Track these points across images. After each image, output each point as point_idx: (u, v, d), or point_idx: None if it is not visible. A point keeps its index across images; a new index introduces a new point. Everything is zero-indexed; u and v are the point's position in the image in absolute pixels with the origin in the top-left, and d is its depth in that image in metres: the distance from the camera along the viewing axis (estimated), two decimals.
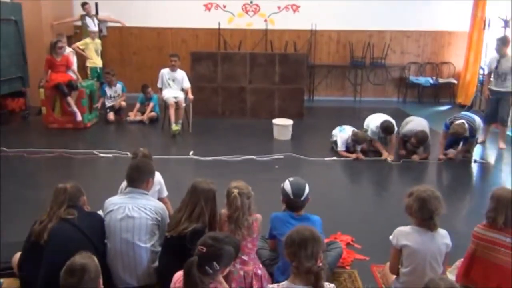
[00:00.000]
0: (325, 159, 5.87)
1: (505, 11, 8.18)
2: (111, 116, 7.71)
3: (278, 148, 6.31)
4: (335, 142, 6.11)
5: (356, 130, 6.03)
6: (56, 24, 8.75)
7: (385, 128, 5.86)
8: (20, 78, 7.58)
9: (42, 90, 7.07)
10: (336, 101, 9.97)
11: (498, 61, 6.39)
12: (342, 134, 6.03)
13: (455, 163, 5.85)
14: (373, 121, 6.08)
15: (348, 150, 6.01)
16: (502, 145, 6.63)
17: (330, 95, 10.19)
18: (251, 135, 7.08)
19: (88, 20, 8.43)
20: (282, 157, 5.88)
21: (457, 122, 5.69)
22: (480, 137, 6.48)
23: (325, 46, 10.04)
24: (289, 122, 6.83)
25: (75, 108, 7.04)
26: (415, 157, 5.91)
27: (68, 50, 7.80)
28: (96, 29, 8.31)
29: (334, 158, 5.90)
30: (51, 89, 7.01)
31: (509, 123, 6.83)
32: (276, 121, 6.88)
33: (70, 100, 7.04)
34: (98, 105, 7.84)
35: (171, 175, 4.93)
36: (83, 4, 8.71)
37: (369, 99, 10.08)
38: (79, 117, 7.06)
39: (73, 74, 7.31)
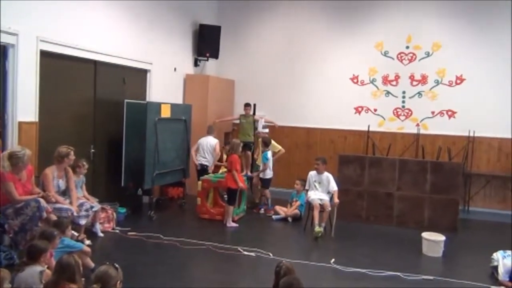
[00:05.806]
0: (490, 287, 5.16)
1: None
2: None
3: (427, 267, 5.80)
4: (496, 268, 5.40)
5: None
6: (218, 122, 9.72)
7: None
8: (182, 170, 8.42)
9: (200, 182, 7.74)
10: (496, 214, 8.99)
11: None
12: (506, 261, 5.25)
13: None
14: None
15: None
16: None
17: (488, 207, 9.24)
18: (397, 246, 6.68)
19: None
20: (431, 278, 5.35)
21: None
22: None
23: (484, 154, 9.33)
24: (441, 238, 6.28)
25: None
26: None
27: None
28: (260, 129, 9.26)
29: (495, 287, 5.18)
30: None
31: None
32: (426, 235, 6.37)
33: None
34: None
35: (310, 284, 4.82)
36: (246, 105, 9.57)
37: None
38: None
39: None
